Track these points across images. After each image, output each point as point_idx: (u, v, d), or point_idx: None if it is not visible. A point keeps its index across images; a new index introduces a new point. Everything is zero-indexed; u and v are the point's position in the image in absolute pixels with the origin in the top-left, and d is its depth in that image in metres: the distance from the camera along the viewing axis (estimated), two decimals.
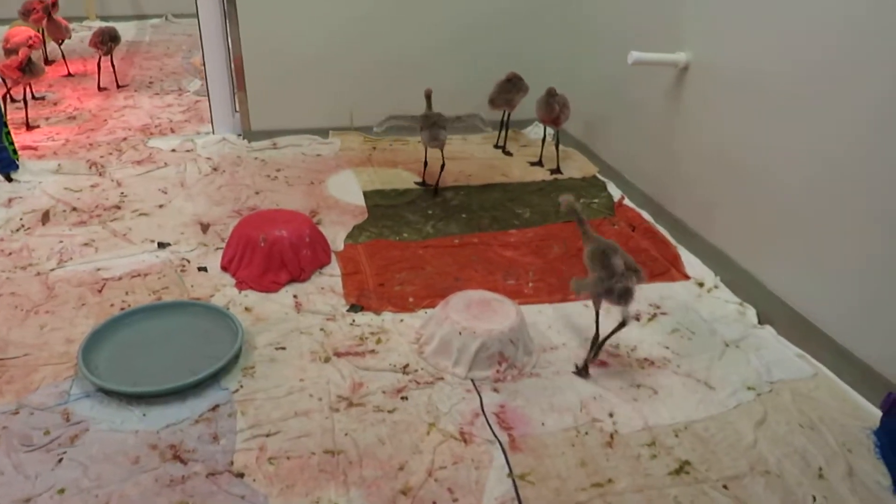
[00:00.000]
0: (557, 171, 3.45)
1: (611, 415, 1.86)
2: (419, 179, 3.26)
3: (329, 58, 3.70)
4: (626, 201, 3.12)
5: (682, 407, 1.90)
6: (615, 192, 3.24)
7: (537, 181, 3.35)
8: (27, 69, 3.68)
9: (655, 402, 1.91)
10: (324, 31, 3.65)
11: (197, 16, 3.60)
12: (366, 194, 3.14)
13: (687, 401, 1.92)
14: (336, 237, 2.73)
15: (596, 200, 3.16)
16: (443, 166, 3.20)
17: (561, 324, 2.25)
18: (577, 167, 3.50)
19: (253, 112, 3.72)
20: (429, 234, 2.81)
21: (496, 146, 3.77)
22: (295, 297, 2.35)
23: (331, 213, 2.95)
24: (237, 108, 3.80)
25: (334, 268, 2.53)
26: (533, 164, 3.54)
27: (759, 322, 2.29)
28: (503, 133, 3.74)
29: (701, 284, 2.50)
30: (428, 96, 3.07)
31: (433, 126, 3.00)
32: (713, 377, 2.02)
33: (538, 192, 3.24)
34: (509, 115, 3.68)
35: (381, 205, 3.05)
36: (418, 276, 2.49)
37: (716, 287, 2.48)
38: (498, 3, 3.75)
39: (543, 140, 3.58)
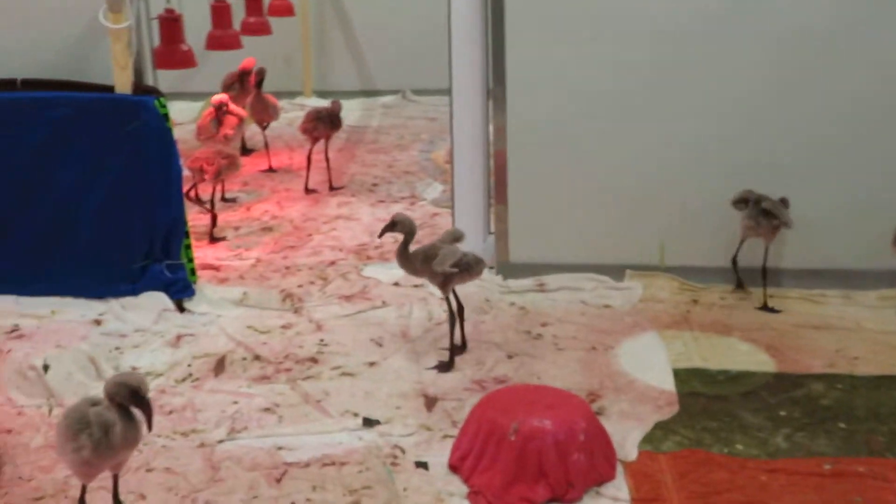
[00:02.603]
0: None
1: None
2: None
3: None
4: None
5: None
6: None
7: None
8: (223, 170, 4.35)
9: None
10: (631, 117, 3.81)
11: (449, 93, 3.97)
12: (677, 374, 3.15)
13: None
14: (626, 438, 2.75)
15: None
16: (461, 312, 3.24)
17: None
18: None
19: (515, 236, 3.95)
20: (779, 449, 2.74)
21: None
22: None
23: (620, 399, 2.99)
24: (492, 229, 4.06)
25: (620, 487, 2.54)
26: None
27: None
28: None
29: None
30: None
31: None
32: None
33: None
34: None
35: (702, 393, 3.04)
36: None
37: None
38: None
39: None
